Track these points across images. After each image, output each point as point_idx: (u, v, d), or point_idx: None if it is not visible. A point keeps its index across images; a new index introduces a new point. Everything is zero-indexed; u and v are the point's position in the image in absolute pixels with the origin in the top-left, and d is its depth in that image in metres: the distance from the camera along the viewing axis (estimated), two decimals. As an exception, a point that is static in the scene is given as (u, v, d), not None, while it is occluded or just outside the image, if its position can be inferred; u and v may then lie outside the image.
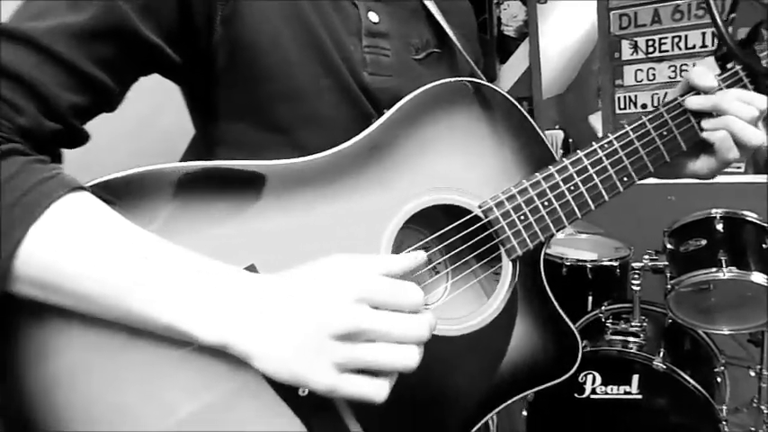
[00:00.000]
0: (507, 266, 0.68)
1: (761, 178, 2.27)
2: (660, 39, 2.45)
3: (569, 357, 0.72)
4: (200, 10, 0.60)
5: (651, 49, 2.47)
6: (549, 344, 0.71)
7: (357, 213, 0.62)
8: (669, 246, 1.67)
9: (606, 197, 0.71)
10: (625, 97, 2.57)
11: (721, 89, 0.74)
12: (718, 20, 0.48)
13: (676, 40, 2.42)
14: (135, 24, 0.56)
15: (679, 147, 0.74)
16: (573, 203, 0.70)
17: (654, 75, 2.48)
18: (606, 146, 0.72)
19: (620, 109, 2.59)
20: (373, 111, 0.68)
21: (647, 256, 1.71)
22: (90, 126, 0.61)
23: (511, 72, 2.86)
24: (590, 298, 1.87)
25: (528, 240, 0.68)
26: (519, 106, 0.71)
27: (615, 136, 0.72)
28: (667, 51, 2.44)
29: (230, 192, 0.58)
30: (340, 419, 0.57)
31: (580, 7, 2.62)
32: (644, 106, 2.54)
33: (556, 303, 0.72)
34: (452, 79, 0.68)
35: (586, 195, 0.70)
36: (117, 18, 0.56)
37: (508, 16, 2.81)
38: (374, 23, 0.69)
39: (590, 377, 1.61)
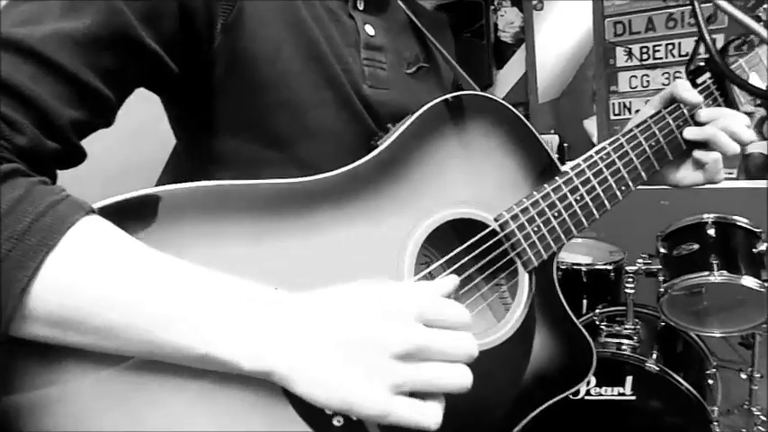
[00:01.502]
0: (524, 279, 0.69)
1: (752, 184, 2.30)
2: (654, 46, 2.48)
3: (584, 363, 0.73)
4: (202, 17, 0.56)
5: (645, 56, 2.51)
6: (564, 351, 0.72)
7: (375, 234, 0.60)
8: (662, 250, 1.69)
9: (608, 206, 0.74)
10: (619, 103, 2.60)
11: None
12: (705, 32, 0.50)
13: (670, 47, 2.45)
14: (137, 31, 0.51)
15: (666, 156, 0.78)
16: (580, 213, 0.72)
17: (648, 81, 2.51)
18: (605, 156, 0.74)
19: (615, 115, 2.62)
20: (373, 124, 0.66)
21: (640, 260, 1.73)
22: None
23: (507, 77, 2.89)
24: (584, 301, 1.89)
25: (542, 251, 0.69)
26: (519, 114, 0.71)
27: (612, 147, 0.75)
28: (661, 58, 2.48)
29: (243, 213, 0.54)
30: None
31: (575, 14, 2.65)
32: (638, 112, 2.57)
33: (569, 310, 0.73)
34: (456, 93, 0.67)
35: (591, 205, 0.72)
36: (120, 24, 0.50)
37: (505, 22, 2.84)
38: (371, 36, 0.69)
39: (584, 379, 1.63)
